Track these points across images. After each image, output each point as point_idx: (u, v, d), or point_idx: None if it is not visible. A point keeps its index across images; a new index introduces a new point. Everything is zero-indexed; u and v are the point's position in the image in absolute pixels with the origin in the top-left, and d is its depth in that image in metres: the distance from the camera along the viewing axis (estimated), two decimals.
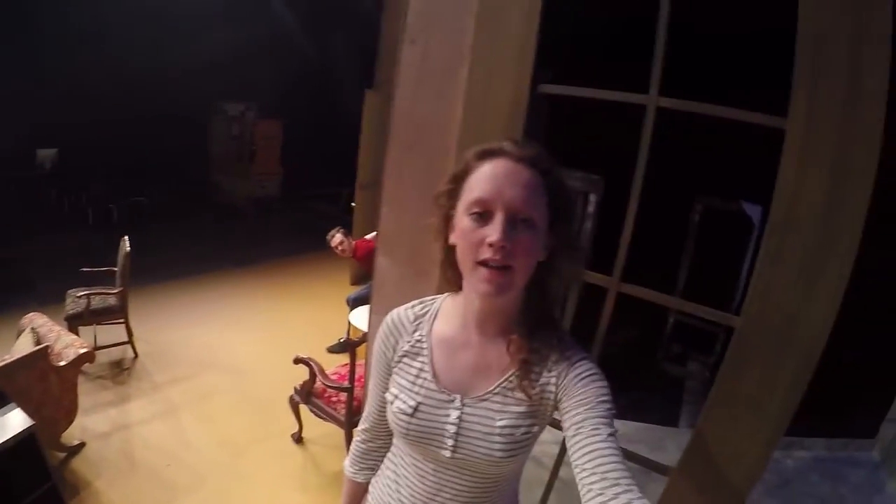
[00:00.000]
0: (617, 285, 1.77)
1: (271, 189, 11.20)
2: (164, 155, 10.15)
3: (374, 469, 1.50)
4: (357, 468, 1.53)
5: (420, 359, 1.27)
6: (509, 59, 1.72)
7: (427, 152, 1.85)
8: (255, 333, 5.98)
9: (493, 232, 1.04)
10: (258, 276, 7.84)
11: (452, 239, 1.17)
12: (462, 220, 1.11)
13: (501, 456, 1.17)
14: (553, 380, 1.18)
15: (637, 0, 1.98)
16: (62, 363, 3.46)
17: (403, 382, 1.27)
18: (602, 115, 2.55)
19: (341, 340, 5.62)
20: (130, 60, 8.92)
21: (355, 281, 7.49)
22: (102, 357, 4.96)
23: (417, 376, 1.26)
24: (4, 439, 2.68)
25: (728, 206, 5.09)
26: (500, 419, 1.18)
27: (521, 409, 1.19)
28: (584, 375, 1.16)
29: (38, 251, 7.76)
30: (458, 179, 1.16)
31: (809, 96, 1.45)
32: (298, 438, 4.11)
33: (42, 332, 3.81)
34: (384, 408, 1.34)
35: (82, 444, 3.89)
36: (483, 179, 1.10)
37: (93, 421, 4.16)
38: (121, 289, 4.93)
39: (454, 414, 1.20)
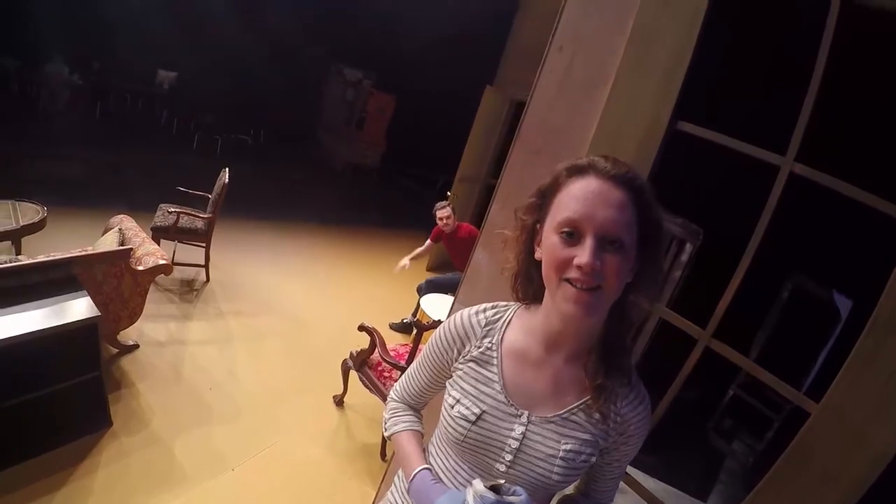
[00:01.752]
0: (708, 339, 1.68)
1: (372, 159, 11.39)
2: (277, 103, 10.45)
3: (414, 419, 1.47)
4: (397, 420, 1.47)
5: (490, 367, 1.23)
6: (653, 88, 1.65)
7: (552, 160, 1.80)
8: (322, 290, 6.11)
9: (583, 254, 1.01)
10: (339, 238, 8.00)
11: (538, 254, 1.14)
12: (550, 237, 1.08)
13: (558, 479, 1.16)
14: (621, 417, 1.19)
15: (791, 55, 1.87)
16: (140, 268, 3.59)
17: (468, 388, 1.23)
18: (721, 165, 2.46)
19: (405, 321, 5.63)
20: (263, 5, 9.23)
21: (431, 267, 7.52)
22: (176, 273, 5.15)
23: (486, 384, 1.22)
24: (70, 321, 2.81)
25: (820, 291, 4.87)
26: (566, 443, 1.17)
27: (587, 436, 1.18)
28: (642, 424, 1.21)
29: (142, 163, 8.13)
30: (547, 194, 1.14)
31: None
32: (340, 402, 4.14)
33: (128, 234, 3.96)
34: (422, 395, 1.43)
35: (136, 346, 4.04)
36: (574, 198, 1.06)
37: (152, 328, 4.32)
38: (210, 215, 5.10)
39: (519, 429, 1.18)
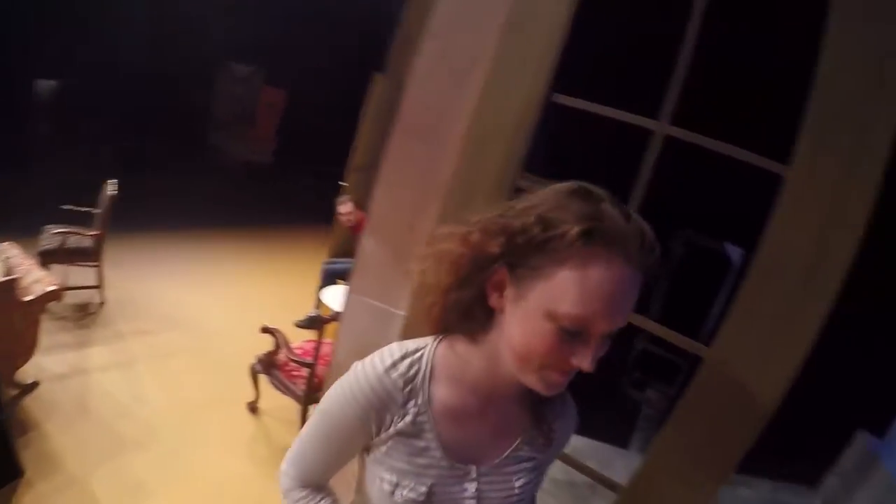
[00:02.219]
0: None
1: (265, 156, 11.15)
2: (164, 104, 10.05)
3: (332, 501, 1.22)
4: None
5: (423, 436, 1.03)
6: (530, 67, 1.72)
7: (432, 140, 1.85)
8: (226, 297, 5.95)
9: (585, 357, 0.86)
10: (238, 240, 7.79)
11: (494, 302, 0.95)
12: (538, 320, 0.86)
13: None
14: (559, 432, 1.15)
15: (662, 25, 1.98)
16: (28, 298, 3.40)
17: (403, 466, 1.03)
18: (603, 134, 2.56)
19: (310, 315, 5.59)
20: (144, 6, 8.84)
21: (335, 255, 7.49)
22: (70, 298, 4.89)
23: (422, 456, 1.04)
24: None
25: (710, 243, 5.16)
26: (518, 479, 1.09)
27: (533, 463, 1.12)
28: (572, 427, 1.18)
29: (23, 183, 7.64)
30: (542, 248, 0.85)
31: (815, 145, 1.46)
32: (254, 408, 4.09)
33: (13, 262, 3.74)
34: (329, 471, 1.20)
35: (36, 384, 3.84)
36: (589, 292, 0.82)
37: (50, 361, 4.11)
38: (98, 232, 4.87)
39: (471, 488, 1.06)
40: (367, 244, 2.08)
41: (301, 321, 5.63)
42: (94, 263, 4.97)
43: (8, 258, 3.76)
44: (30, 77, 8.94)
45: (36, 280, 3.56)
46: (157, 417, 3.81)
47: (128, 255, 6.14)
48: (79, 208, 5.20)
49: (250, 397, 4.07)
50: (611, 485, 1.85)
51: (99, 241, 4.90)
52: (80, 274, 5.03)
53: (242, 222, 8.48)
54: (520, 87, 1.72)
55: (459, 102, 1.78)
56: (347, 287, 2.21)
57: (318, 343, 3.48)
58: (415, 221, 1.86)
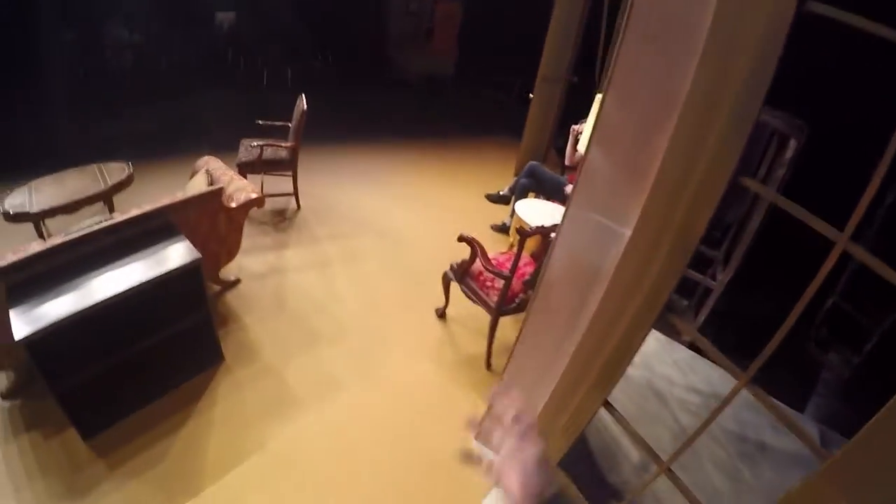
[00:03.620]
0: (845, 243, 1.45)
1: (444, 68, 11.04)
2: (341, 23, 10.24)
3: None
4: None
5: None
6: None
7: (670, 49, 1.62)
8: (414, 206, 6.03)
9: None
10: (423, 153, 7.85)
11: None
12: None
13: None
14: None
15: None
16: (233, 205, 3.64)
17: None
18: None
19: (504, 223, 5.60)
20: None
21: (519, 172, 7.39)
22: (268, 205, 5.25)
23: None
24: (172, 267, 2.89)
25: None
26: None
27: None
28: None
29: (215, 104, 8.26)
30: None
31: None
32: (442, 314, 4.17)
33: (216, 174, 4.02)
34: None
35: (238, 281, 4.19)
36: None
37: (251, 262, 4.46)
38: (293, 143, 5.10)
39: None
40: (595, 156, 1.93)
41: (496, 226, 5.65)
42: (289, 173, 5.26)
43: (211, 170, 4.05)
44: (210, 9, 9.46)
45: (239, 189, 3.80)
46: (348, 316, 4.03)
47: (319, 166, 6.46)
48: (273, 122, 5.46)
49: (439, 303, 4.15)
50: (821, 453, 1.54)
51: (293, 152, 5.15)
52: (277, 182, 5.38)
53: (426, 135, 8.53)
54: None
55: (700, 5, 1.52)
56: (563, 203, 2.07)
57: (519, 255, 3.39)
58: (650, 136, 1.67)
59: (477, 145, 8.40)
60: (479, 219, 5.80)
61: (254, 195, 3.74)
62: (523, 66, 7.34)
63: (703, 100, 1.50)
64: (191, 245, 3.07)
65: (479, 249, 3.56)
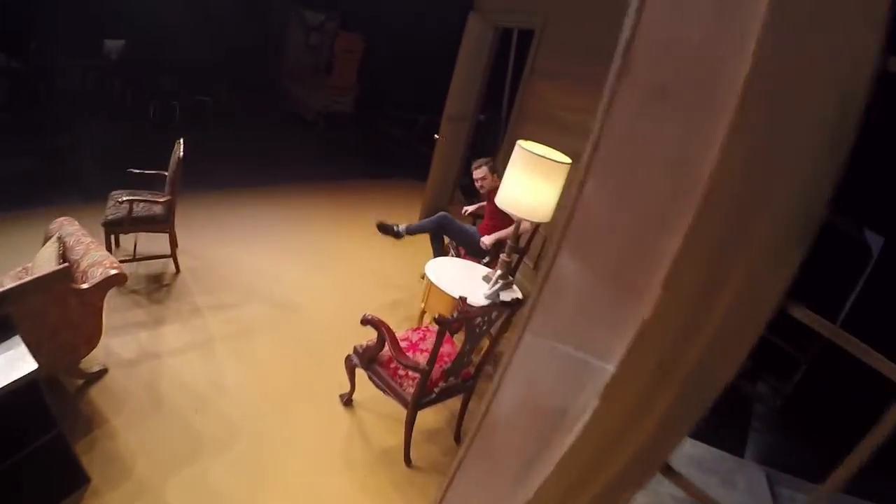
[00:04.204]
0: None
1: (345, 105, 10.50)
2: (236, 58, 9.59)
3: None
4: None
5: None
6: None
7: (689, 110, 1.02)
8: (311, 264, 5.46)
9: None
10: (321, 199, 7.27)
11: None
12: None
13: None
14: None
15: None
16: (85, 286, 2.95)
17: None
18: None
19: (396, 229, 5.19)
20: None
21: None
22: (141, 269, 4.56)
23: None
24: (4, 383, 2.20)
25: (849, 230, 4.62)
26: None
27: None
28: None
29: (94, 144, 7.32)
30: None
31: None
32: (348, 400, 3.60)
33: (70, 242, 3.33)
34: None
35: (104, 371, 3.46)
36: None
37: (120, 343, 3.73)
38: (168, 197, 4.42)
39: None
40: (565, 265, 1.38)
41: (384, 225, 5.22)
42: (166, 231, 4.53)
43: (64, 236, 3.35)
44: (99, 36, 8.66)
45: (95, 262, 3.13)
46: (237, 412, 3.38)
47: (203, 218, 5.77)
48: (146, 171, 4.75)
49: (343, 384, 3.57)
50: None
51: (170, 206, 4.46)
52: (152, 241, 4.65)
53: (325, 179, 7.94)
54: (835, 34, 0.87)
55: (728, 45, 0.94)
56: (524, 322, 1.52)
57: (438, 346, 2.85)
58: (651, 237, 1.11)
59: (379, 188, 7.93)
60: (385, 275, 5.29)
61: (113, 271, 3.06)
62: (425, 102, 7.04)
63: (741, 184, 0.98)
64: (26, 351, 2.37)
65: (387, 336, 3.02)
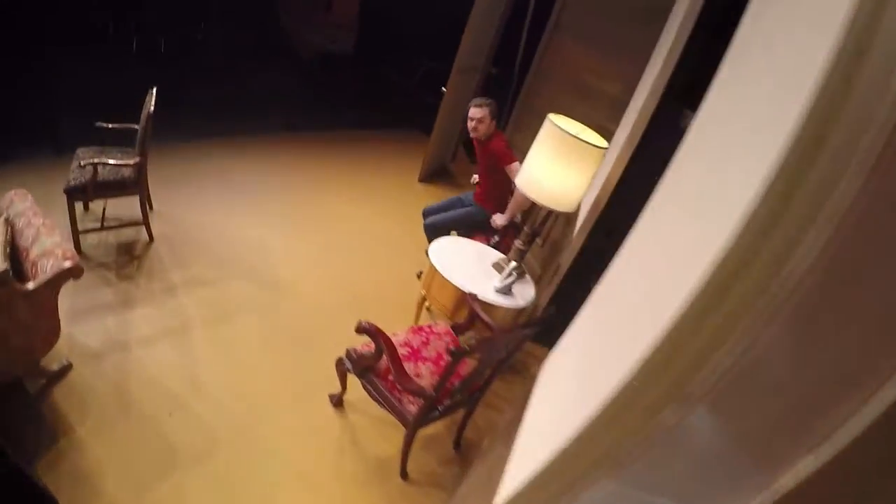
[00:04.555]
0: None
1: (343, 45, 9.70)
2: None
3: None
4: None
5: None
6: None
7: None
8: (300, 232, 5.00)
9: None
10: (313, 151, 6.76)
11: None
12: None
13: None
14: None
15: None
16: (31, 286, 2.53)
17: None
18: None
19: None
20: None
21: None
22: (110, 237, 4.14)
23: None
24: None
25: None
26: None
27: None
28: None
29: (71, 81, 6.63)
30: None
31: None
32: (338, 402, 3.25)
33: (19, 223, 2.89)
34: None
35: (69, 367, 3.09)
36: None
37: (85, 332, 3.33)
38: (137, 159, 3.94)
39: None
40: (699, 418, 0.98)
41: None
42: (136, 194, 4.07)
43: (13, 217, 2.91)
44: None
45: (47, 251, 2.70)
46: (215, 416, 3.03)
47: (181, 174, 5.29)
48: (117, 126, 4.26)
49: (333, 381, 3.18)
50: None
51: (139, 169, 3.99)
52: (123, 205, 4.21)
53: (318, 127, 7.36)
54: None
55: None
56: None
57: (449, 372, 2.44)
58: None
59: (378, 141, 7.40)
60: (384, 242, 4.88)
61: (67, 264, 2.62)
62: (431, 48, 6.46)
63: None
64: None
65: (387, 351, 2.61)
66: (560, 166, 3.07)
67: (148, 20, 8.16)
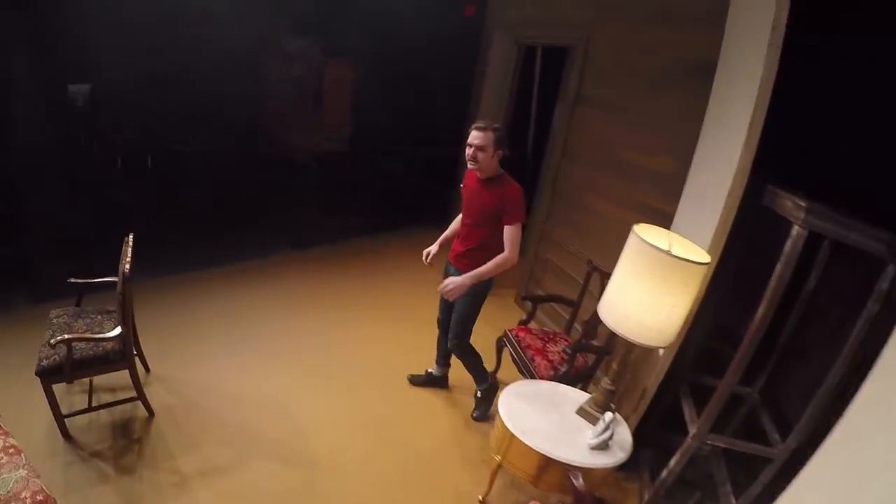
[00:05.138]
0: None
1: (338, 143, 9.06)
2: (209, 98, 8.22)
3: None
4: None
5: None
6: None
7: None
8: (329, 379, 4.22)
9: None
10: (328, 268, 6.09)
11: None
12: None
13: None
14: None
15: None
16: None
17: None
18: None
19: (429, 372, 4.27)
20: None
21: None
22: (102, 416, 3.43)
23: None
24: None
25: None
26: None
27: None
28: None
29: (53, 213, 5.91)
30: None
31: None
32: None
33: None
34: None
35: None
36: None
37: None
38: (119, 331, 3.22)
39: None
40: None
41: (416, 377, 4.23)
42: (124, 368, 3.33)
43: None
44: (62, 80, 7.36)
45: (13, 495, 1.98)
46: None
47: (171, 317, 4.62)
48: (92, 280, 3.64)
49: None
50: None
51: (124, 340, 3.26)
52: (112, 377, 3.45)
53: (329, 240, 6.72)
54: None
55: None
56: None
57: None
58: None
59: (393, 244, 6.78)
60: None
61: None
62: (426, 134, 5.90)
63: None
64: None
65: None
66: (657, 294, 2.36)
67: (132, 136, 7.63)
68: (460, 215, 3.64)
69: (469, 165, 3.33)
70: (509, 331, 3.98)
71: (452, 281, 3.31)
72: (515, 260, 3.29)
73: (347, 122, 8.61)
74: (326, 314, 5.10)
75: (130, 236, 3.36)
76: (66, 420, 3.22)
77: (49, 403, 3.10)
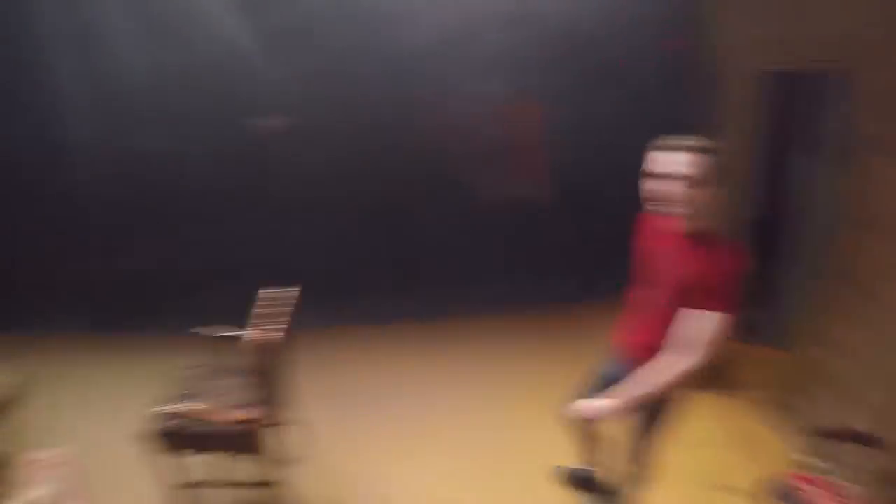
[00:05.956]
0: None
1: (529, 193, 8.13)
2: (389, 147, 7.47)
3: None
4: None
5: None
6: None
7: None
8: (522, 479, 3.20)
9: None
10: (510, 339, 5.07)
11: None
12: None
13: None
14: None
15: None
16: None
17: None
18: None
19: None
20: None
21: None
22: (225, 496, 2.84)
23: None
24: None
25: None
26: None
27: None
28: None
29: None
30: None
31: None
32: None
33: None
34: None
35: None
36: None
37: None
38: (248, 410, 2.63)
39: None
40: None
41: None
42: (251, 453, 2.73)
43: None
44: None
45: None
46: None
47: (327, 388, 3.91)
48: (219, 335, 3.03)
49: None
50: None
51: (254, 422, 2.66)
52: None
53: (512, 299, 5.65)
54: None
55: None
56: None
57: None
58: None
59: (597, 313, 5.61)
60: None
61: None
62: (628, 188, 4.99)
63: None
64: None
65: None
66: None
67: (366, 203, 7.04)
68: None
69: (662, 210, 2.08)
70: (789, 476, 2.58)
71: (601, 403, 2.13)
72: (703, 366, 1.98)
73: (541, 171, 7.53)
74: (515, 395, 4.10)
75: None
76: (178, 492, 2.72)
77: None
